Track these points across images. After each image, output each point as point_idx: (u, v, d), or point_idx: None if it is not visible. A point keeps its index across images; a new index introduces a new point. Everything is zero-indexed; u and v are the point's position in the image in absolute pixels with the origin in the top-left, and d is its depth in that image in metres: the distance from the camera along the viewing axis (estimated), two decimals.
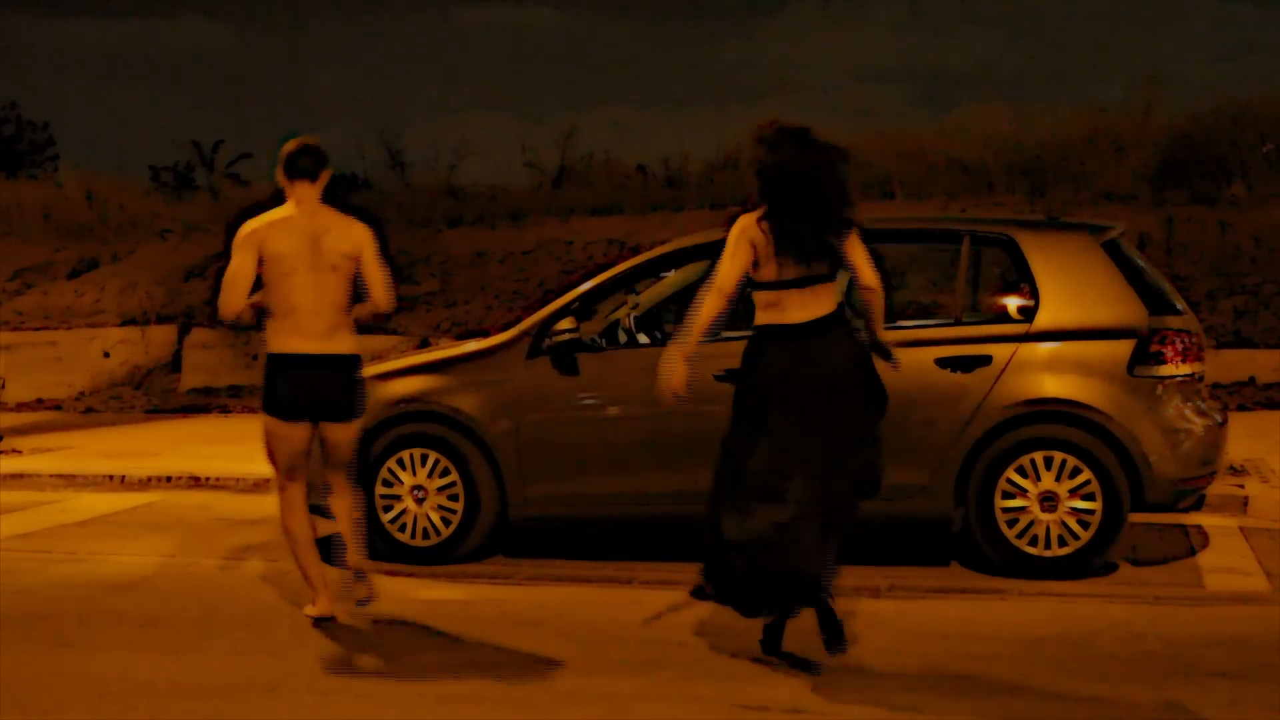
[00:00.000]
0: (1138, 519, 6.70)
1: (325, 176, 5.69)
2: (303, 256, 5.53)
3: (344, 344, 5.62)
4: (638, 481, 6.61)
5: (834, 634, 4.89)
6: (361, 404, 5.79)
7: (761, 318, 4.98)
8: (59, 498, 9.28)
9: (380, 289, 5.67)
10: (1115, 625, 5.44)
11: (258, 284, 5.60)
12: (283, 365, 5.57)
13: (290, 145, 5.71)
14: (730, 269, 4.92)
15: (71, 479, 9.79)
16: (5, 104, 31.51)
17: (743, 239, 4.92)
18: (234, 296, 5.54)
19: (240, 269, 5.53)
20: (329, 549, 7.40)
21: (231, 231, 5.66)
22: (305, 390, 5.57)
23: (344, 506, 5.94)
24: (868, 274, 4.96)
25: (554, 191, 18.28)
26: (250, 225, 5.61)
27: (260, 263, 5.52)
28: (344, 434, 5.73)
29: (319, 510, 7.12)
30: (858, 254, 4.95)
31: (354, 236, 5.63)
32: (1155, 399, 6.24)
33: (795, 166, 4.88)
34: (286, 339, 5.55)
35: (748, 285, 5.00)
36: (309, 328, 5.53)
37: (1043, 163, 15.59)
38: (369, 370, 7.22)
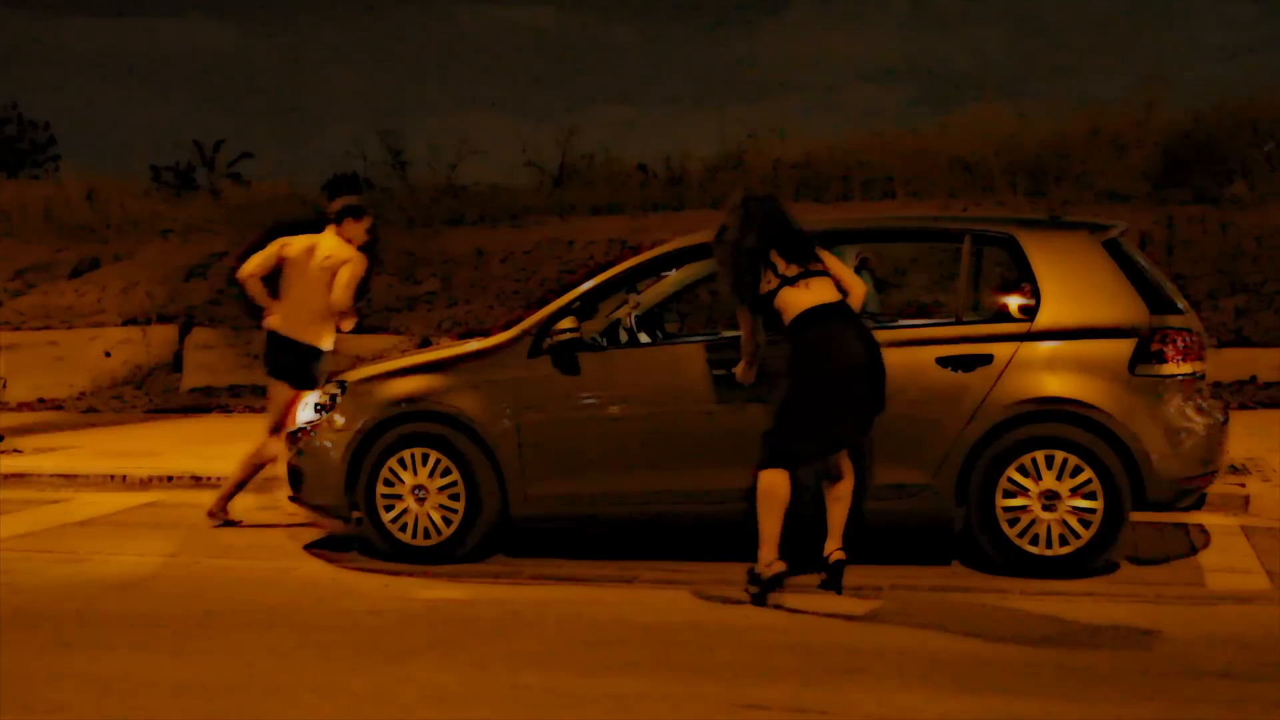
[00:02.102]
0: (1139, 518, 6.69)
1: (347, 224, 8.00)
2: (303, 266, 7.92)
3: (314, 336, 7.94)
4: (639, 481, 6.60)
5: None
6: (308, 377, 7.87)
7: (788, 316, 5.85)
8: (60, 497, 9.28)
9: (336, 291, 7.85)
10: (1116, 625, 5.44)
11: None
12: (271, 341, 8.00)
13: (337, 204, 8.16)
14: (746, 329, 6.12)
15: (72, 479, 9.79)
16: (6, 104, 31.57)
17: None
18: (249, 266, 8.00)
19: (263, 255, 8.00)
20: (340, 544, 7.41)
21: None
22: (274, 360, 8.01)
23: (263, 454, 7.96)
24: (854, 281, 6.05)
25: (554, 191, 18.29)
26: (284, 239, 8.04)
27: (281, 263, 7.97)
28: (280, 394, 7.99)
29: (322, 511, 7.14)
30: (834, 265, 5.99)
31: (341, 261, 7.90)
32: (1156, 398, 6.23)
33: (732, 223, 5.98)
34: (280, 322, 7.94)
35: (767, 301, 5.90)
36: (293, 317, 7.91)
37: (1044, 162, 15.60)
38: (370, 370, 7.25)
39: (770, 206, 6.03)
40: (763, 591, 5.79)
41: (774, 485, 5.79)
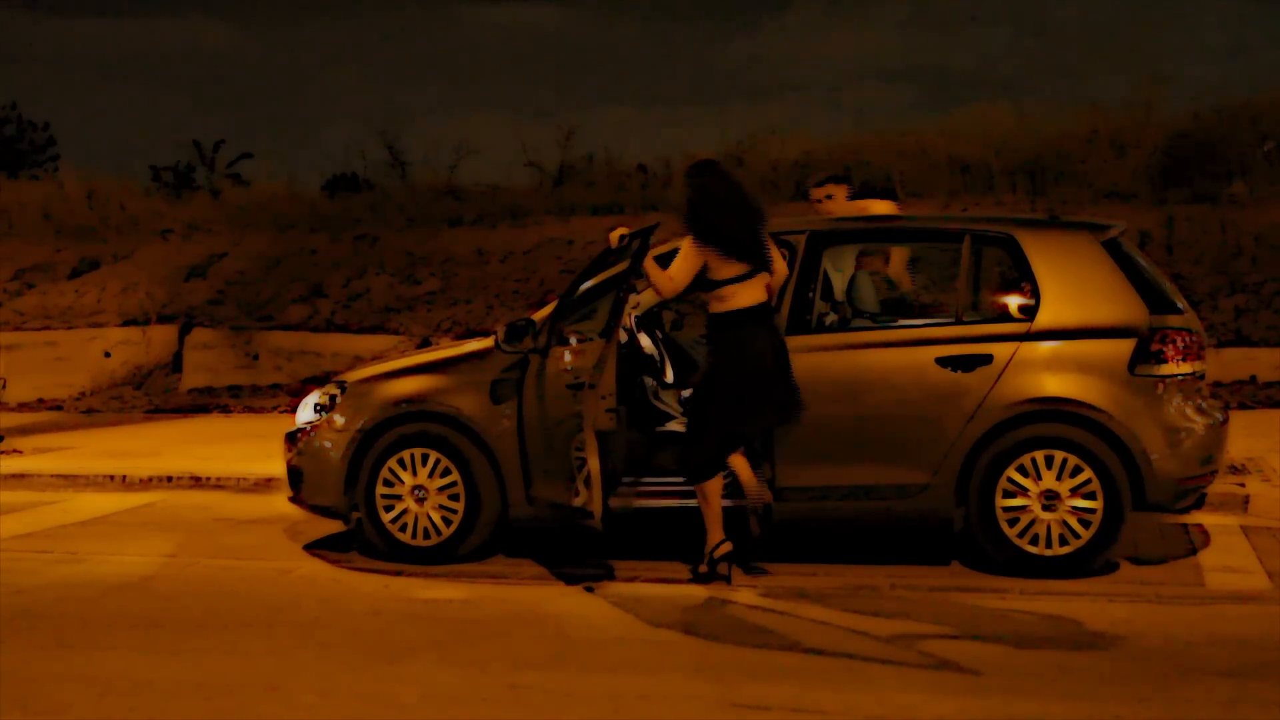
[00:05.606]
0: (1138, 518, 6.69)
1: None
2: None
3: None
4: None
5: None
6: None
7: (719, 307, 6.15)
8: (60, 498, 9.28)
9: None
10: (1116, 624, 5.44)
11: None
12: None
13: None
14: (683, 269, 6.22)
15: (72, 479, 9.79)
16: (6, 104, 31.56)
17: (695, 252, 6.16)
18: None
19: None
20: (340, 544, 7.41)
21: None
22: None
23: None
24: (780, 264, 6.32)
25: (554, 191, 18.28)
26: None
27: None
28: None
29: (321, 511, 7.13)
30: (772, 250, 6.25)
31: None
32: (1156, 398, 6.23)
33: (717, 190, 6.24)
34: None
35: (703, 287, 6.17)
36: None
37: (1044, 161, 15.58)
38: (370, 370, 7.24)
39: (723, 176, 6.36)
40: (711, 570, 6.17)
41: (709, 489, 6.20)
